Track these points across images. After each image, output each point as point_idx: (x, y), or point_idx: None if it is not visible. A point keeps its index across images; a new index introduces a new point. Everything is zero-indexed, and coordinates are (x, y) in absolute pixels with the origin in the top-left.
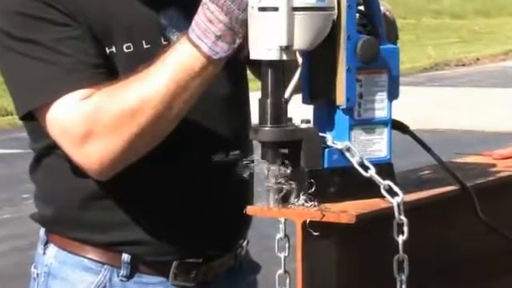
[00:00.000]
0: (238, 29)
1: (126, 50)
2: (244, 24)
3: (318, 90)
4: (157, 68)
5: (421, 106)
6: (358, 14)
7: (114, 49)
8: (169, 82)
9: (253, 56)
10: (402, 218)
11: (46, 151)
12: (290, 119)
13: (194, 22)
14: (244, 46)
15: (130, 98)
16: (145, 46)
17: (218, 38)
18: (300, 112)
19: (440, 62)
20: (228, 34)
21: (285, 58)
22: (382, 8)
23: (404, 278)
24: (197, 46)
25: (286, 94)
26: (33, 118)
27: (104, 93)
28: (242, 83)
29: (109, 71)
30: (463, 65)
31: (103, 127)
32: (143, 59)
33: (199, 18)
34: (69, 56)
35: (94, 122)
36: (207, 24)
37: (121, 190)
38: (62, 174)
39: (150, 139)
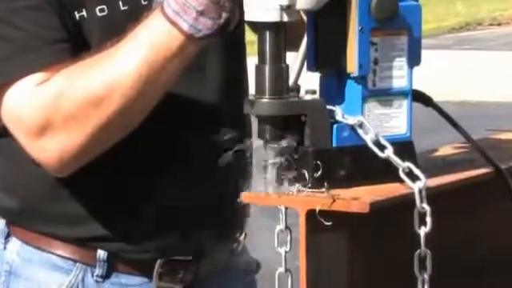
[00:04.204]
0: (224, 1)
1: (99, 14)
2: None
3: (326, 55)
4: (127, 47)
5: (447, 74)
6: None
7: (84, 13)
8: (141, 65)
9: (248, 17)
10: (425, 206)
11: (4, 132)
12: (297, 89)
13: None
14: (232, 21)
15: (96, 84)
16: (122, 8)
17: (200, 13)
18: (303, 81)
19: (471, 21)
20: (212, 9)
21: (286, 19)
22: None
23: (426, 277)
24: (174, 24)
25: (296, 65)
26: None
27: (65, 76)
28: (236, 49)
29: (78, 41)
30: (498, 24)
31: (63, 118)
32: (120, 24)
33: None
34: (25, 31)
35: (53, 111)
36: None
37: (94, 177)
38: (24, 158)
39: (120, 130)
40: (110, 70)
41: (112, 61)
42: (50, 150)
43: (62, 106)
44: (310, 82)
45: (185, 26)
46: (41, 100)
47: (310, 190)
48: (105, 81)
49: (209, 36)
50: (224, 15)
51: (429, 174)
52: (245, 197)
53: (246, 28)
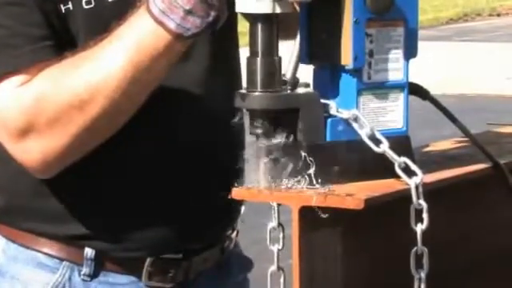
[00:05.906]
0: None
1: (85, 6)
2: None
3: (320, 47)
4: (112, 47)
5: (445, 66)
6: None
7: (70, 5)
8: (126, 66)
9: (239, 9)
10: (421, 202)
11: None
12: (295, 83)
13: None
14: (221, 18)
15: (79, 85)
16: (109, 0)
17: (188, 12)
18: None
19: (470, 12)
20: (200, 7)
21: (278, 10)
22: None
23: (423, 275)
24: (161, 23)
25: (293, 58)
26: None
27: (48, 76)
28: (227, 39)
29: (64, 36)
30: (498, 15)
31: (46, 121)
32: (107, 17)
33: None
34: (5, 28)
35: (36, 113)
36: None
37: (81, 174)
38: (8, 156)
39: (105, 131)
40: (94, 71)
41: (96, 61)
42: (33, 152)
43: (45, 109)
44: (305, 75)
45: (172, 26)
46: (23, 102)
47: (303, 186)
48: (89, 82)
49: (198, 35)
50: (213, 13)
51: (426, 169)
52: (236, 193)
53: (239, 18)
